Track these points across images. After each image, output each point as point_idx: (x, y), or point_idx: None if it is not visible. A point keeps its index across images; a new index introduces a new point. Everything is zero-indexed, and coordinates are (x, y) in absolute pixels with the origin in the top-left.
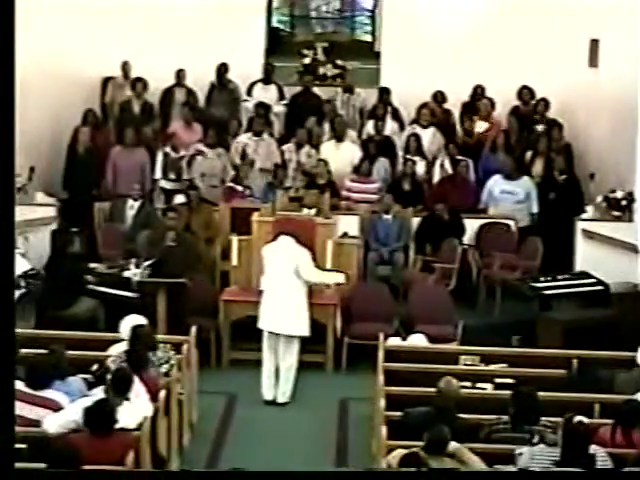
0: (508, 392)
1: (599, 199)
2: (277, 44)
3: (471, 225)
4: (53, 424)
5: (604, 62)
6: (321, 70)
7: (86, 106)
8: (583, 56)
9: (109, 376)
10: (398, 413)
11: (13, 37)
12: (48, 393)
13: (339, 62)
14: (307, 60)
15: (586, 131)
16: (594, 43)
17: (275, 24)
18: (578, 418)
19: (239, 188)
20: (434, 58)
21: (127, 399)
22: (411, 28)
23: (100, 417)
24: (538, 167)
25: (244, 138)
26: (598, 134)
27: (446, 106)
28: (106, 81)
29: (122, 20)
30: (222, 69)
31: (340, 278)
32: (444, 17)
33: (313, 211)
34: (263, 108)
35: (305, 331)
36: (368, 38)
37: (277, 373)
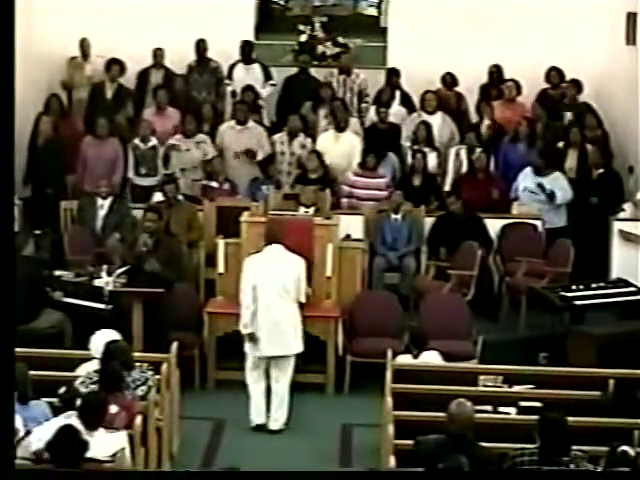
0: (534, 417)
1: (639, 196)
2: (269, 19)
3: (493, 226)
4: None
5: None
6: (319, 49)
7: (51, 90)
8: (619, 32)
9: (78, 401)
10: (409, 441)
11: (13, 37)
12: None
13: (340, 39)
14: (304, 37)
15: (623, 118)
16: (632, 17)
17: None
18: (623, 448)
19: (214, 184)
20: (449, 35)
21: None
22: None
23: (66, 448)
24: (572, 161)
25: (225, 127)
26: (637, 121)
27: (462, 90)
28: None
29: None
30: (201, 46)
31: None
32: None
33: (311, 210)
34: (249, 92)
35: (301, 347)
36: (373, 12)
37: (267, 396)
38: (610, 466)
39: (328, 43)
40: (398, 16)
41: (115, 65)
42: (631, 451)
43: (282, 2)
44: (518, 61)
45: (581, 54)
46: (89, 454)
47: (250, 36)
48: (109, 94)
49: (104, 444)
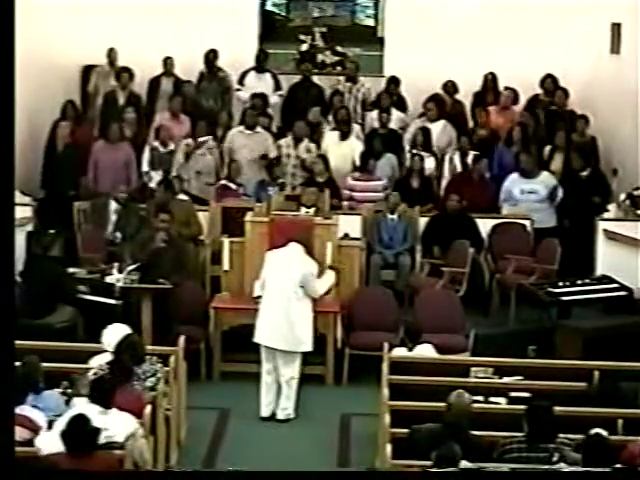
0: (523, 407)
1: (622, 197)
2: (272, 29)
3: (484, 226)
4: (47, 444)
5: (627, 48)
6: (319, 57)
7: (66, 97)
8: (604, 42)
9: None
10: (404, 430)
11: (13, 37)
12: (25, 410)
13: (339, 48)
14: (304, 46)
15: (608, 123)
16: (616, 27)
17: (269, 7)
18: (595, 431)
19: (232, 186)
20: (443, 44)
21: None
22: (417, 10)
23: (79, 436)
24: (557, 163)
25: (235, 132)
26: (621, 127)
27: (458, 97)
28: (87, 70)
29: (105, 4)
30: (211, 56)
31: (331, 279)
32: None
33: (312, 210)
34: (259, 99)
35: (308, 346)
36: (370, 22)
37: (278, 388)
38: (586, 450)
39: (327, 52)
40: (394, 26)
41: (124, 73)
42: (603, 432)
43: (284, 13)
44: (508, 70)
45: (568, 63)
46: (107, 433)
47: (254, 45)
48: (121, 101)
49: (118, 423)
